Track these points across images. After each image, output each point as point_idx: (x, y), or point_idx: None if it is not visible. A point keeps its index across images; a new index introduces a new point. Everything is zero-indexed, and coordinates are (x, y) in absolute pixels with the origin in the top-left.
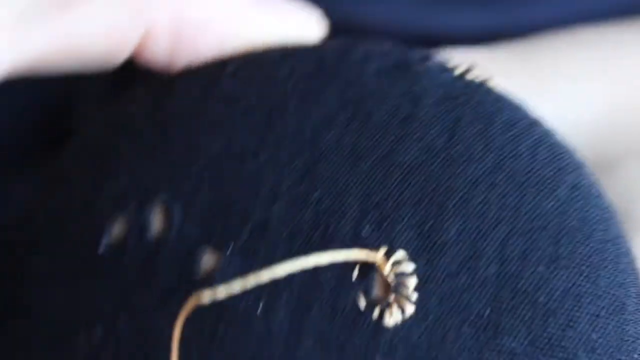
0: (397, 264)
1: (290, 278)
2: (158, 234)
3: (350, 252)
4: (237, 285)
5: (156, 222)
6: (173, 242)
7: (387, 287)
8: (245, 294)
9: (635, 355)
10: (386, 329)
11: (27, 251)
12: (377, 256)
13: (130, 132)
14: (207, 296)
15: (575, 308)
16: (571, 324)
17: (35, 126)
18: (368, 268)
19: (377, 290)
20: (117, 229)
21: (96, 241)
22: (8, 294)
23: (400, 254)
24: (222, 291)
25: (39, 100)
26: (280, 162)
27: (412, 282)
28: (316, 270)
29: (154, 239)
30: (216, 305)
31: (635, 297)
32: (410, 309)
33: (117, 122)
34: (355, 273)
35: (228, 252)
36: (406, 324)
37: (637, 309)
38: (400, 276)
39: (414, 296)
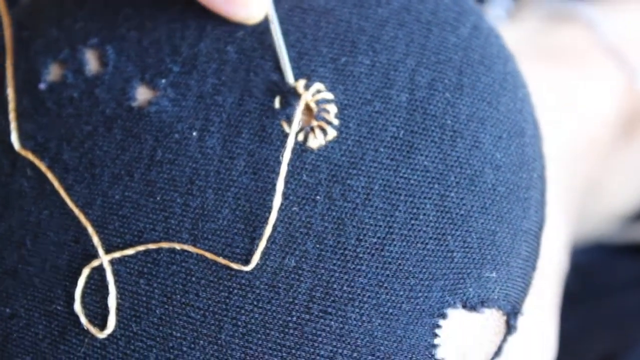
0: (318, 93)
1: (220, 106)
2: (95, 72)
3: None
4: None
5: (91, 61)
6: (109, 76)
7: (310, 114)
8: (180, 121)
9: (535, 175)
10: (310, 151)
11: None
12: (298, 85)
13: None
14: None
15: (480, 130)
16: (477, 144)
17: None
18: (290, 98)
19: (300, 116)
20: (54, 71)
21: (34, 83)
22: None
23: (318, 84)
24: None
25: None
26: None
27: (333, 109)
28: (242, 99)
29: (92, 76)
30: (153, 131)
31: (532, 124)
32: (332, 133)
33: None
34: (277, 102)
35: (162, 85)
36: (329, 146)
37: (534, 134)
38: (321, 103)
39: (335, 122)
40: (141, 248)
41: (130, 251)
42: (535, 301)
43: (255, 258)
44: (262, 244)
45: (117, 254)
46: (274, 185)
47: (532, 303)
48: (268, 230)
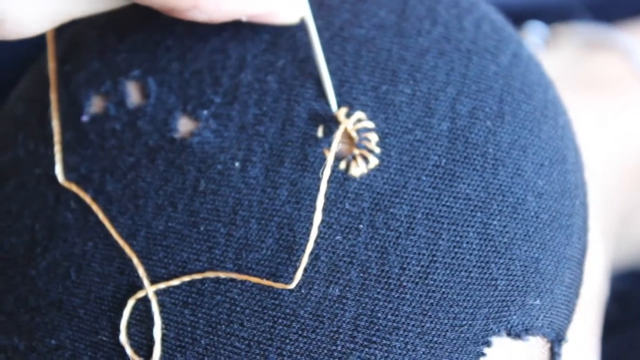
0: (359, 122)
1: (262, 136)
2: (137, 104)
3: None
4: None
5: (133, 93)
6: (151, 108)
7: (352, 143)
8: (222, 152)
9: (577, 202)
10: (352, 179)
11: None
12: (339, 113)
13: (95, 32)
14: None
15: (522, 158)
16: (519, 172)
17: None
18: (332, 126)
19: (342, 145)
20: (96, 104)
21: (77, 116)
22: None
23: (359, 113)
24: None
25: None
26: (244, 36)
27: (374, 137)
28: (284, 129)
29: (134, 108)
30: (195, 162)
31: (573, 151)
32: (374, 161)
33: (83, 31)
34: (320, 130)
35: (204, 116)
36: (371, 175)
37: (576, 161)
38: (363, 132)
39: (377, 150)
40: (186, 278)
41: (175, 282)
42: (578, 327)
43: (298, 275)
44: (305, 260)
45: (162, 285)
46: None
47: (575, 329)
48: (309, 247)
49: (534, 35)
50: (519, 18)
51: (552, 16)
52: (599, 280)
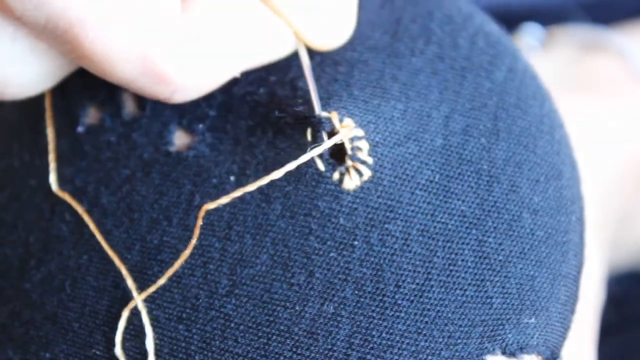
0: (349, 130)
1: (255, 147)
2: (133, 115)
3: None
4: None
5: (129, 105)
6: (147, 120)
7: (343, 152)
8: (217, 165)
9: (573, 218)
10: (347, 192)
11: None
12: (331, 115)
13: None
14: None
15: (517, 174)
16: (514, 188)
17: None
18: (319, 129)
19: (333, 155)
20: (91, 114)
21: (72, 126)
22: None
23: (348, 120)
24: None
25: None
26: None
27: (365, 145)
28: (275, 138)
29: (130, 118)
30: (191, 175)
31: (570, 165)
32: (367, 173)
33: None
34: (308, 134)
35: (200, 130)
36: (364, 188)
37: (572, 176)
38: (354, 141)
39: (370, 160)
40: (171, 271)
41: (162, 280)
42: (574, 335)
43: None
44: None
45: (152, 288)
46: (311, 229)
47: (571, 337)
48: None
49: (530, 37)
50: (515, 20)
51: (549, 18)
52: (595, 290)
